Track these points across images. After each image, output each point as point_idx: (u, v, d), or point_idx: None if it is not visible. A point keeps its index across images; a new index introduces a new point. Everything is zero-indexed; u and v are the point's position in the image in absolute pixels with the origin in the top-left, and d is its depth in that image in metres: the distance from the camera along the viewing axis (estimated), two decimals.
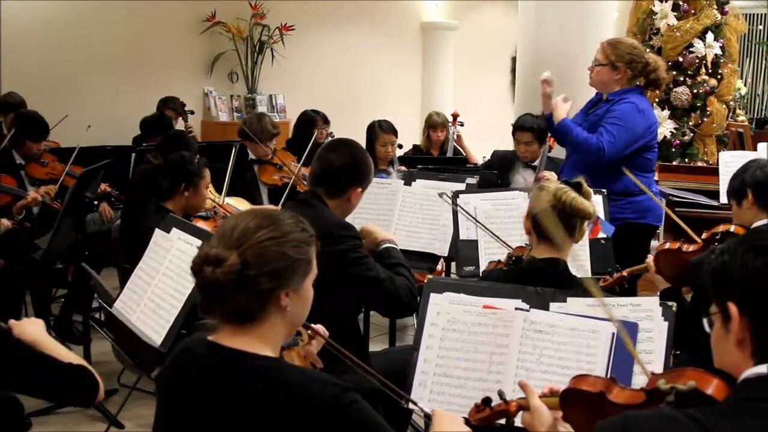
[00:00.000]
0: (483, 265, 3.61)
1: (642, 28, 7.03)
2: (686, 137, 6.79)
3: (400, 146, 5.92)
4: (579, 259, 3.40)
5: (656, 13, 6.87)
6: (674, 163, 6.58)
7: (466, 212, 3.74)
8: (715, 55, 6.82)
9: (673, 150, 6.77)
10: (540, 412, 1.83)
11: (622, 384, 1.70)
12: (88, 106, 7.33)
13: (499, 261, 3.30)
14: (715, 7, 6.86)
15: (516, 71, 6.45)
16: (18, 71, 7.15)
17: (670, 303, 2.45)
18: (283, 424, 1.70)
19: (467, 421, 2.00)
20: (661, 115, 6.68)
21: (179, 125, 6.96)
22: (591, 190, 2.78)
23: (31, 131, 5.27)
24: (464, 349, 2.48)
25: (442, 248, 4.07)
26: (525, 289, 2.52)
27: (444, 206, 3.96)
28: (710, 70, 6.85)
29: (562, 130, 4.20)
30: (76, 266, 4.81)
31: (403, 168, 5.48)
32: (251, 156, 5.67)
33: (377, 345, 4.54)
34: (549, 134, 5.07)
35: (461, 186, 4.10)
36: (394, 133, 5.71)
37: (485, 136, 7.74)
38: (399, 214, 4.17)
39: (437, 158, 6.22)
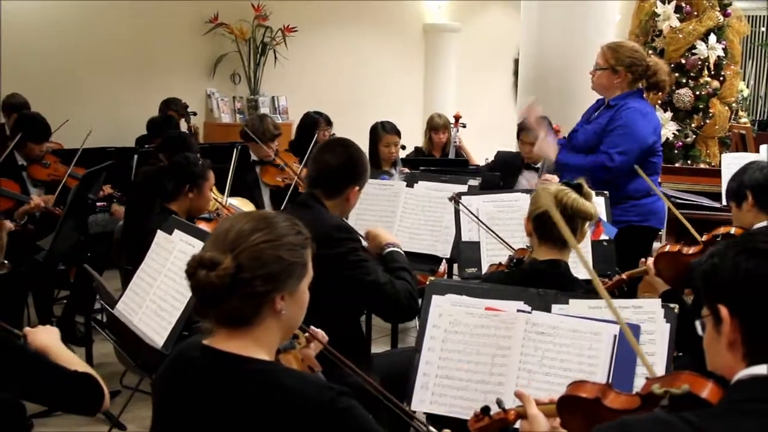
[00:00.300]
0: (485, 267, 3.61)
1: (644, 29, 7.03)
2: (689, 139, 6.79)
3: (403, 147, 5.92)
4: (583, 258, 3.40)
5: (659, 15, 6.87)
6: (677, 164, 6.58)
7: (469, 213, 3.74)
8: (718, 57, 6.82)
9: (676, 152, 6.77)
10: (537, 420, 1.83)
11: (623, 386, 1.71)
12: (90, 108, 7.35)
13: (500, 263, 3.30)
14: (718, 9, 6.87)
15: (518, 73, 6.45)
16: (19, 72, 7.15)
17: (672, 305, 2.45)
18: (278, 429, 1.69)
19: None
20: (664, 116, 6.68)
21: (182, 127, 6.96)
22: (592, 192, 2.78)
23: (33, 133, 5.27)
24: (466, 351, 2.49)
25: (444, 250, 4.07)
26: (527, 291, 2.52)
27: (446, 208, 3.96)
28: (713, 72, 6.85)
29: (563, 168, 4.20)
30: (79, 268, 4.81)
31: (406, 170, 5.48)
32: (253, 157, 5.67)
33: (379, 347, 4.53)
34: None
35: (464, 188, 4.10)
36: (398, 134, 5.71)
37: (487, 137, 7.74)
38: (401, 215, 4.17)
39: (439, 160, 6.22)
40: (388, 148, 5.67)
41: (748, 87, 10.63)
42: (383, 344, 4.80)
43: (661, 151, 4.32)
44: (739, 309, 1.42)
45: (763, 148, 5.30)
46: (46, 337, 2.40)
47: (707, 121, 6.80)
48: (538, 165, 5.23)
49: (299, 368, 2.01)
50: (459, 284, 2.81)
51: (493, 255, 3.65)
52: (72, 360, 2.36)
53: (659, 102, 6.72)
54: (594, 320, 2.41)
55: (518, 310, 2.47)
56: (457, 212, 3.78)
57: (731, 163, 4.94)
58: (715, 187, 5.22)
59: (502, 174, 5.25)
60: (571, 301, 2.49)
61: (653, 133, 4.13)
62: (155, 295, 3.06)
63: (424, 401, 2.47)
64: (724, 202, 4.77)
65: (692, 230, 3.20)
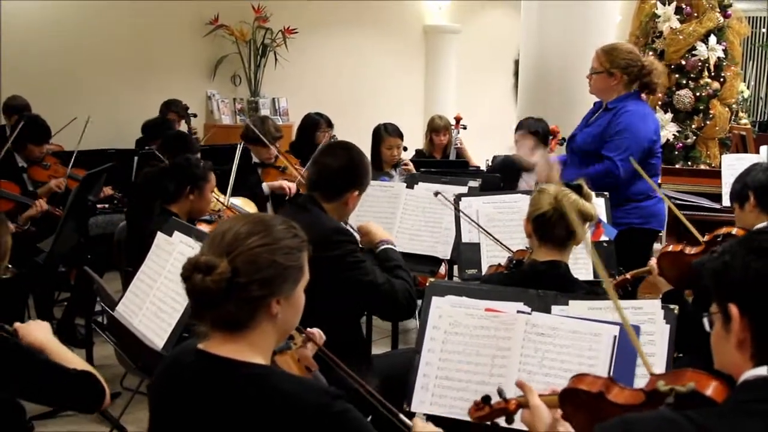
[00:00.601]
0: (485, 268, 3.61)
1: (645, 31, 7.02)
2: (689, 140, 6.78)
3: (405, 149, 5.92)
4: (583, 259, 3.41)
5: (659, 16, 6.86)
6: (677, 166, 6.57)
7: (468, 216, 3.74)
8: (718, 58, 6.81)
9: (676, 153, 6.76)
10: (539, 410, 1.83)
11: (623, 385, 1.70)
12: (90, 108, 7.32)
13: (499, 265, 3.30)
14: (718, 10, 6.86)
15: (519, 74, 6.45)
16: (19, 72, 7.16)
17: (671, 306, 2.45)
18: None
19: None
20: (664, 118, 6.67)
21: (182, 128, 6.96)
22: (592, 193, 2.78)
23: (34, 134, 5.28)
24: (466, 352, 2.49)
25: (444, 251, 4.08)
26: (527, 292, 2.53)
27: (446, 209, 3.96)
28: (713, 73, 6.83)
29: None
30: (79, 269, 4.81)
31: (410, 166, 5.48)
32: (254, 159, 5.67)
33: (379, 348, 4.54)
34: (551, 137, 5.08)
35: (464, 189, 4.10)
36: (400, 136, 5.69)
37: (488, 138, 7.74)
38: (401, 217, 4.17)
39: (440, 161, 6.21)
40: (391, 150, 5.66)
41: (748, 88, 10.63)
42: (384, 345, 4.79)
43: (661, 153, 4.32)
44: (749, 308, 1.43)
45: (763, 149, 5.30)
46: (40, 333, 2.39)
47: (707, 122, 6.79)
48: None
49: (296, 368, 2.01)
50: (459, 285, 2.82)
51: (493, 256, 3.65)
52: (69, 357, 2.35)
53: (659, 103, 6.72)
54: (594, 321, 2.41)
55: (518, 311, 2.47)
56: (456, 214, 3.78)
57: (731, 164, 4.94)
58: (716, 188, 5.21)
59: (502, 176, 5.25)
60: (570, 302, 2.49)
61: (654, 134, 4.13)
62: (155, 297, 3.06)
63: (424, 402, 2.47)
64: (725, 203, 4.77)
65: (694, 230, 3.20)
